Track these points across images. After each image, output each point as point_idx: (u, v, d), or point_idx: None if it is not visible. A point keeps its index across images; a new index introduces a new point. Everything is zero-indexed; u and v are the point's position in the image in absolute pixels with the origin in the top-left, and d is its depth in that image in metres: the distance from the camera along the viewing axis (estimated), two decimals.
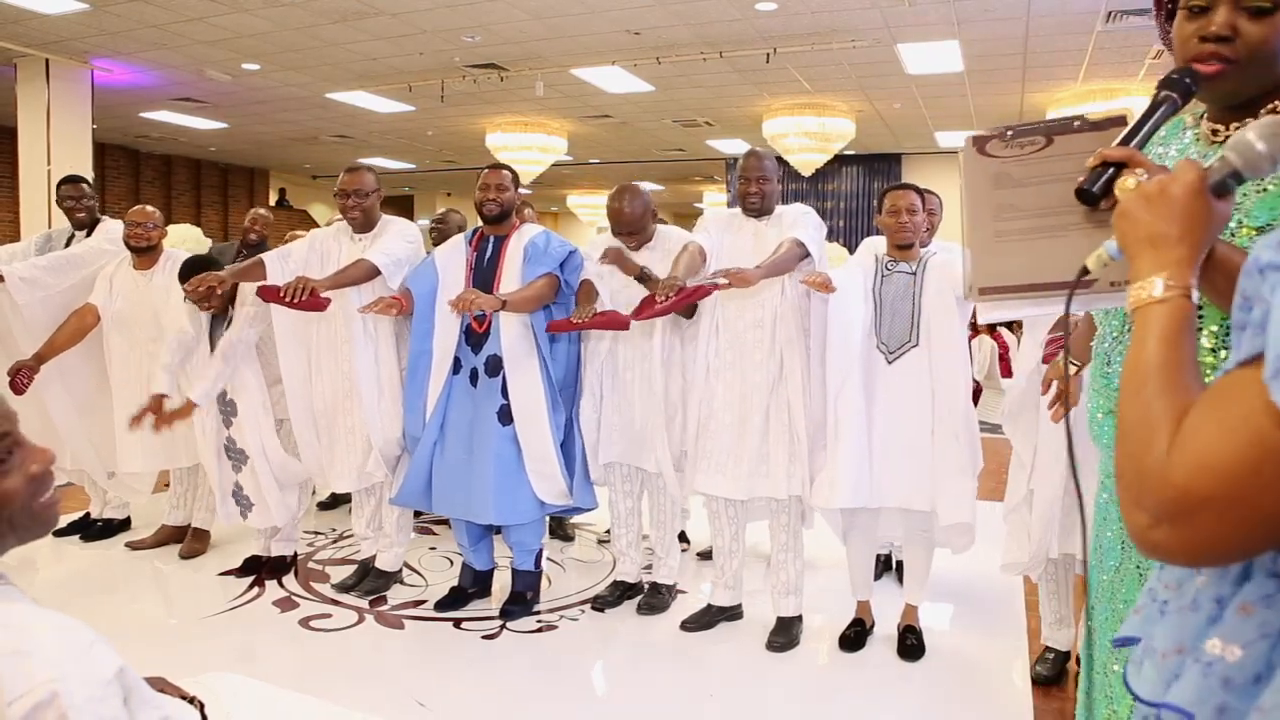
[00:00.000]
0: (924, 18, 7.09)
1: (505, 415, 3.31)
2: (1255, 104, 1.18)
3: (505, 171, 3.44)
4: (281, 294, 3.15)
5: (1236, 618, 0.74)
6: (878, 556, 3.64)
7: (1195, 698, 0.74)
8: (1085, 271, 0.97)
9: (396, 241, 3.45)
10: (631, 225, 3.36)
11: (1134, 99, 8.88)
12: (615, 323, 3.12)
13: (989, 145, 1.16)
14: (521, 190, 3.56)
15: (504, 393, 3.31)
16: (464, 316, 3.35)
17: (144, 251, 3.96)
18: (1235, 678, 0.72)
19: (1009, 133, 1.15)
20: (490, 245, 3.42)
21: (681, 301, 2.91)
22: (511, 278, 3.33)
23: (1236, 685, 0.72)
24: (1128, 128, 1.06)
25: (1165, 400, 0.74)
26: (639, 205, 3.36)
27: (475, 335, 3.36)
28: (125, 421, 3.98)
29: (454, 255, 3.46)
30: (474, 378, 3.36)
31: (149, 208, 4.08)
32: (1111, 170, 1.00)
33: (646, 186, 3.58)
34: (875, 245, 3.24)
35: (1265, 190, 1.11)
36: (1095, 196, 1.01)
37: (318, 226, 4.14)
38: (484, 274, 3.38)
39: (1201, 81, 1.09)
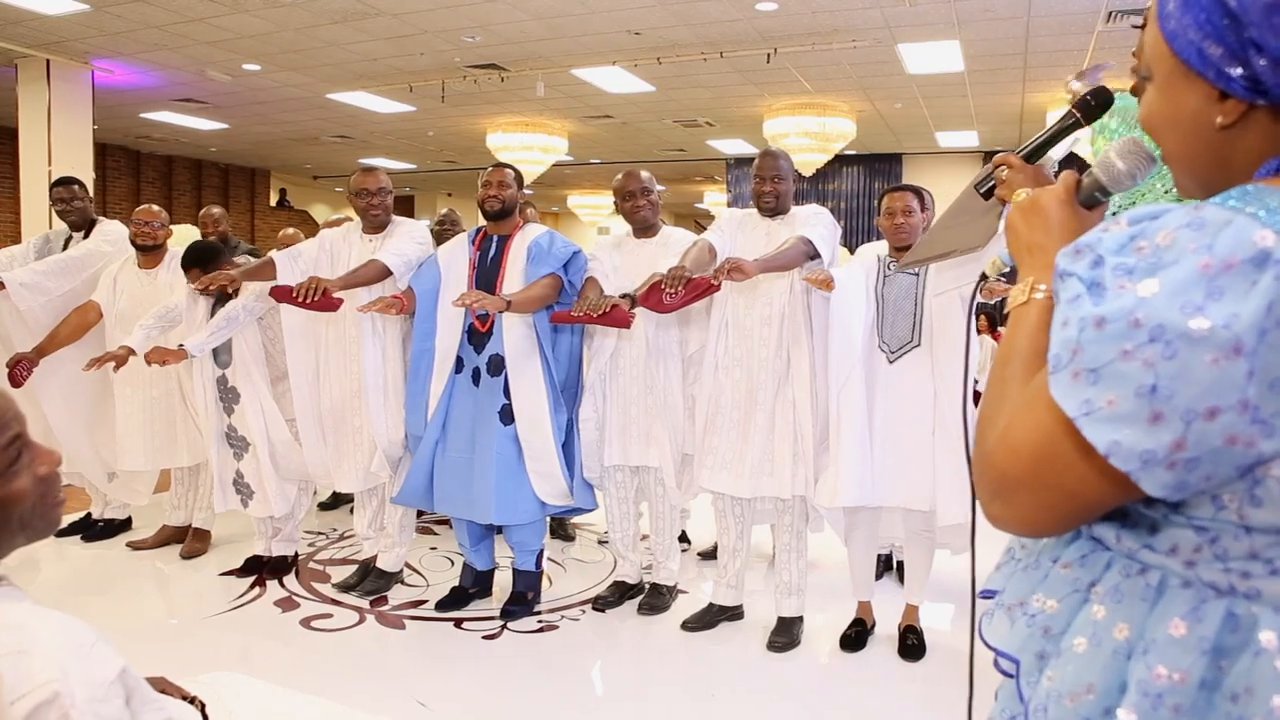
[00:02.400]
0: (924, 18, 7.09)
1: (507, 415, 3.31)
2: None
3: (508, 170, 3.45)
4: (294, 294, 3.15)
5: (1058, 574, 0.85)
6: (879, 556, 3.64)
7: (1021, 645, 0.85)
8: (984, 278, 1.15)
9: (406, 242, 3.46)
10: (639, 186, 3.38)
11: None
12: (618, 320, 3.10)
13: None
14: (524, 191, 3.57)
15: (506, 392, 3.31)
16: (466, 316, 3.35)
17: (150, 250, 3.99)
18: (1053, 627, 0.83)
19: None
20: (493, 245, 3.42)
21: (689, 297, 2.91)
22: (515, 277, 3.33)
23: (1054, 634, 0.83)
24: (1034, 144, 1.19)
25: (1014, 389, 0.80)
26: (641, 179, 3.41)
27: (478, 334, 3.36)
28: (128, 419, 4.01)
29: (457, 254, 3.46)
30: (476, 377, 3.36)
31: (155, 207, 4.11)
32: (999, 171, 1.14)
33: None
34: (878, 247, 3.24)
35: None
36: (984, 192, 1.18)
37: (318, 227, 4.15)
38: (487, 273, 3.38)
39: (1109, 99, 1.19)
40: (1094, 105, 1.15)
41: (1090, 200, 0.95)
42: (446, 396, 3.39)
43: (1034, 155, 1.14)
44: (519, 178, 3.47)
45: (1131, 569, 0.78)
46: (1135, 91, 1.26)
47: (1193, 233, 0.67)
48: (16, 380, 3.67)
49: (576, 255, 3.40)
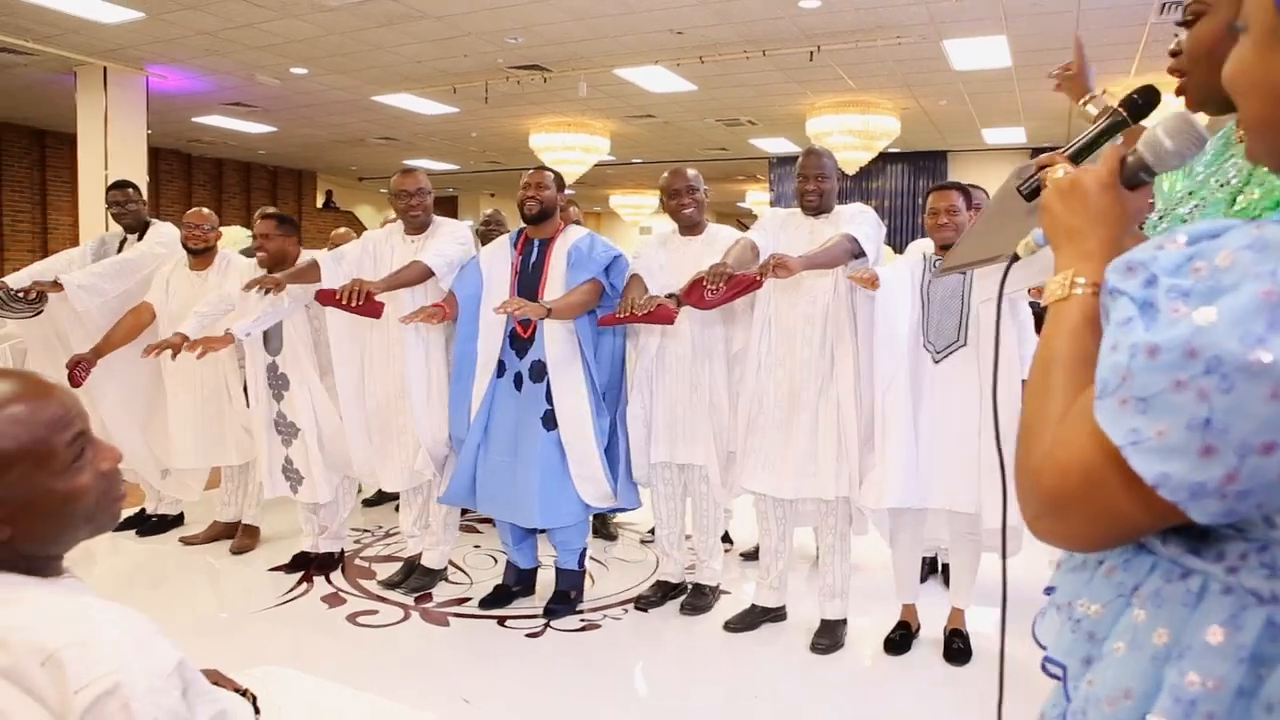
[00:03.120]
0: (971, 12, 6.98)
1: (550, 420, 3.33)
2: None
3: (547, 172, 3.47)
4: (338, 297, 3.20)
5: (1101, 578, 0.83)
6: (924, 559, 3.60)
7: (1067, 650, 0.85)
8: (1016, 257, 1.07)
9: (449, 243, 3.50)
10: (686, 184, 3.41)
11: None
12: (662, 318, 3.11)
13: (1024, 169, 1.29)
14: (565, 192, 3.58)
15: (548, 398, 3.32)
16: (508, 320, 3.37)
17: (200, 253, 4.08)
18: (1097, 632, 0.82)
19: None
20: (535, 249, 3.44)
21: (731, 294, 2.90)
22: (556, 282, 3.34)
23: (1099, 639, 0.82)
24: (1077, 144, 1.17)
25: (1058, 400, 0.77)
26: (688, 177, 3.43)
27: (520, 340, 3.38)
28: (179, 418, 4.10)
29: (499, 258, 3.49)
30: (518, 382, 3.38)
31: (205, 210, 4.20)
32: (1043, 172, 1.11)
33: None
34: (925, 245, 3.20)
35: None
36: (1028, 194, 1.15)
37: (364, 228, 4.22)
38: (529, 278, 3.40)
39: (1157, 97, 1.17)
40: (1141, 104, 1.12)
41: (1134, 180, 0.90)
42: (488, 400, 3.42)
43: (1080, 155, 1.11)
44: (558, 180, 3.48)
45: (1174, 574, 0.76)
46: (1180, 91, 1.23)
47: (1255, 255, 0.63)
48: (75, 380, 3.77)
49: (617, 259, 3.41)
